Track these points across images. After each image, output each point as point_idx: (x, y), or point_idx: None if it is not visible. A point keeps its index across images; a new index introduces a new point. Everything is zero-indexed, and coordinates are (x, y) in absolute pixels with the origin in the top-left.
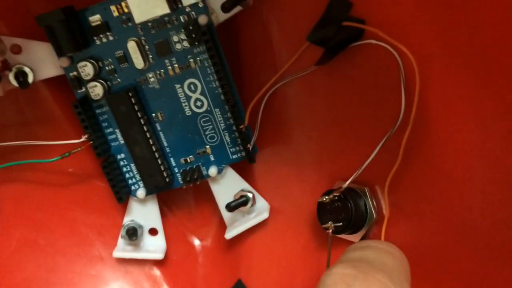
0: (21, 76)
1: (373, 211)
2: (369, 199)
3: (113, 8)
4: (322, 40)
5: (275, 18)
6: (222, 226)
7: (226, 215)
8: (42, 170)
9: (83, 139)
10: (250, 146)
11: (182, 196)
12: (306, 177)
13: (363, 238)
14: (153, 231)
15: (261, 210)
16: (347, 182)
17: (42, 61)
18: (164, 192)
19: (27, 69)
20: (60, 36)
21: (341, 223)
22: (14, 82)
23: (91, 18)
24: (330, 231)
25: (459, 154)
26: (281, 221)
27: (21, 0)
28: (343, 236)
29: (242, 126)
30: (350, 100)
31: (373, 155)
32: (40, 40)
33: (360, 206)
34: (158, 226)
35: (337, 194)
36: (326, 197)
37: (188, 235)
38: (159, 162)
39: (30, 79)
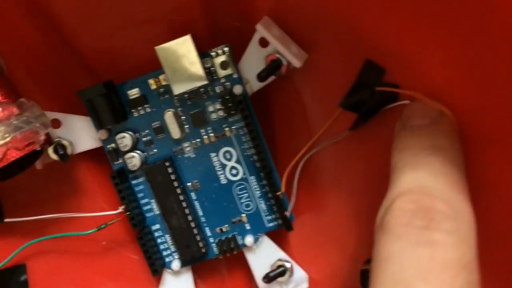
0: (61, 149)
1: None
2: None
3: (151, 81)
4: (355, 106)
5: (308, 86)
6: None
7: (262, 286)
8: (75, 243)
9: (119, 210)
10: (287, 213)
11: (215, 267)
12: (345, 244)
13: None
14: None
15: (299, 280)
16: None
17: (80, 135)
18: (197, 263)
19: (66, 142)
20: (101, 110)
21: None
22: (54, 156)
23: (130, 92)
24: None
25: None
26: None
27: (61, 76)
28: None
29: (279, 193)
30: (386, 163)
31: None
32: (77, 113)
33: None
34: None
35: None
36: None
37: None
38: (195, 232)
39: (69, 152)
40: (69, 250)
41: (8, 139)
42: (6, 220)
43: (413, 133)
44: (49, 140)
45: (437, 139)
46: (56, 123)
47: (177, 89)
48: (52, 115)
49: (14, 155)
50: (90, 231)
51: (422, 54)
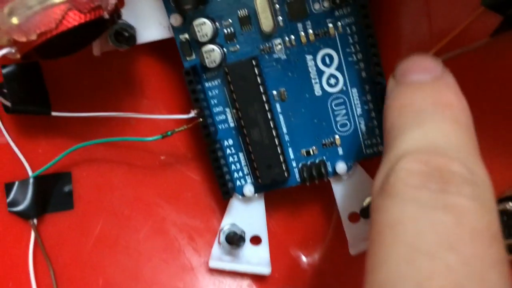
0: (124, 31)
1: None
2: None
3: None
4: (502, 4)
5: None
6: (338, 240)
7: (348, 225)
8: (130, 154)
9: (192, 114)
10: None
11: (289, 199)
12: None
13: None
14: (255, 240)
15: None
16: None
17: (147, 19)
18: (268, 193)
19: (130, 27)
20: None
21: None
22: (114, 42)
23: None
24: None
25: None
26: None
27: None
28: None
29: None
30: None
31: None
32: None
33: None
34: (263, 233)
35: None
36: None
37: (292, 249)
38: (279, 151)
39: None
40: (122, 160)
41: None
42: (54, 113)
43: (413, 88)
44: (117, 11)
45: (443, 95)
46: (120, 2)
47: None
48: None
49: (76, 18)
50: (152, 138)
51: None
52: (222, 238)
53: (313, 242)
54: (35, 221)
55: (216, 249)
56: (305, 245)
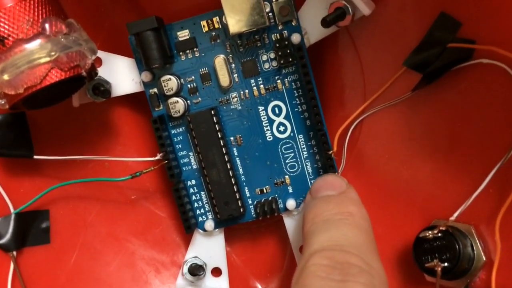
0: (101, 85)
1: (481, 252)
2: (476, 239)
3: (203, 23)
4: (421, 65)
5: (368, 42)
6: (293, 270)
7: (299, 257)
8: (104, 193)
9: (158, 157)
10: (338, 173)
11: (247, 232)
12: (395, 215)
13: (468, 285)
14: (216, 271)
15: None
16: (455, 215)
17: (121, 76)
18: (228, 228)
19: (106, 82)
20: (148, 46)
21: (446, 264)
22: (91, 95)
23: (179, 33)
24: (439, 269)
25: None
26: None
27: (107, 12)
28: (444, 282)
29: (331, 151)
30: (451, 127)
31: (482, 187)
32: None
33: (467, 246)
34: (223, 265)
35: (443, 228)
36: (429, 232)
37: (251, 280)
38: (235, 189)
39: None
40: (96, 199)
41: (54, 57)
42: (36, 157)
43: (323, 202)
44: (94, 69)
45: (346, 206)
46: (97, 62)
47: (234, 28)
48: None
49: (57, 75)
50: (123, 178)
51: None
52: (185, 269)
53: (270, 273)
54: (14, 253)
55: (180, 281)
56: (263, 276)
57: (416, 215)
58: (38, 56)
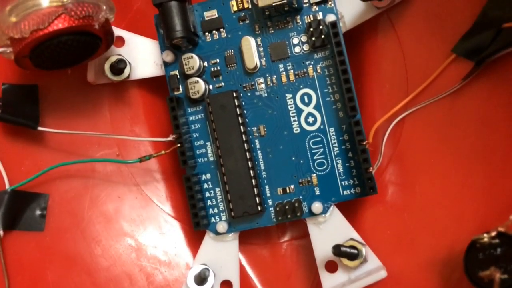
0: (120, 63)
1: None
2: None
3: (232, 2)
4: (474, 51)
5: (412, 28)
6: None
7: (325, 276)
8: (111, 182)
9: (170, 138)
10: (373, 170)
11: (266, 247)
12: (441, 223)
13: None
14: (226, 285)
15: (372, 271)
16: None
17: (142, 58)
18: (244, 236)
19: (126, 61)
20: (172, 18)
21: (507, 276)
22: (108, 73)
23: (207, 13)
24: (497, 276)
25: None
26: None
27: None
28: None
29: (366, 142)
30: (508, 122)
31: None
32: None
33: None
34: (235, 279)
35: (502, 230)
36: (485, 235)
37: None
38: (253, 183)
39: (127, 70)
40: (101, 188)
41: (65, 2)
42: (40, 128)
43: None
44: (110, 32)
45: None
46: (120, 41)
47: (264, 0)
48: (117, 31)
49: (66, 21)
50: (132, 161)
51: None
52: (190, 278)
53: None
54: (1, 232)
55: None
56: None
57: (466, 224)
58: None
